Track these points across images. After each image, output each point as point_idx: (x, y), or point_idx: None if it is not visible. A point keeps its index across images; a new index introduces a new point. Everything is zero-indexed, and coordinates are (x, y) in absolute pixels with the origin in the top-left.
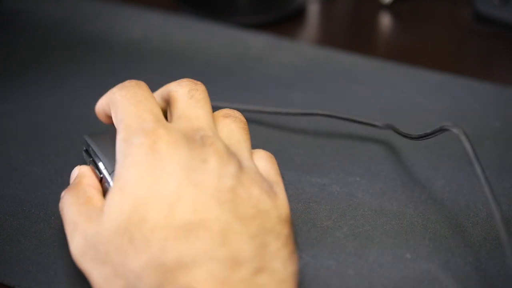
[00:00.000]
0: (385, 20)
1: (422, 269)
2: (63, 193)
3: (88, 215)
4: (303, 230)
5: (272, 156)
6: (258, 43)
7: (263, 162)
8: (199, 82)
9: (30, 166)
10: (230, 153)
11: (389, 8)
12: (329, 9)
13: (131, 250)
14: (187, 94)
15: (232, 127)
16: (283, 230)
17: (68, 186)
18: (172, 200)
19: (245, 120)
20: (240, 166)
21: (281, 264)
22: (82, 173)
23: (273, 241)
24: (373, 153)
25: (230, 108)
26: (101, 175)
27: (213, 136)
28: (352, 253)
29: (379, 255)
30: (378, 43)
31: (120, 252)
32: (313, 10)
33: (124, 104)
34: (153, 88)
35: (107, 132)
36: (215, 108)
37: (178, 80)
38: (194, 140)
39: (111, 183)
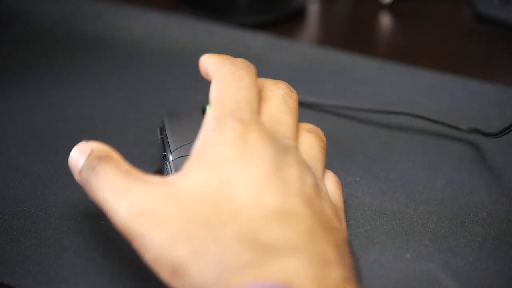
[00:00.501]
0: (385, 20)
1: (422, 269)
2: (94, 164)
3: (142, 180)
4: None
5: (339, 181)
6: (258, 43)
7: (331, 184)
8: (294, 90)
9: (30, 166)
10: (308, 166)
11: (389, 8)
12: (329, 9)
13: (216, 219)
14: (281, 98)
15: (312, 143)
16: (347, 253)
17: (97, 159)
18: (261, 186)
19: (325, 140)
20: (316, 180)
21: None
22: (104, 150)
23: (347, 257)
24: (372, 153)
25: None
26: (165, 153)
27: (296, 148)
28: (352, 253)
29: (379, 255)
30: (378, 43)
31: (200, 218)
32: (313, 10)
33: (228, 83)
34: (153, 88)
35: (184, 115)
36: (303, 104)
37: (275, 81)
38: (279, 145)
39: (171, 160)
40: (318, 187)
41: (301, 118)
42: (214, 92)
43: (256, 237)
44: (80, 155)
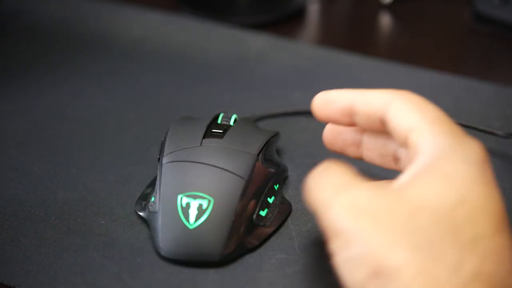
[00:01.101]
0: (385, 20)
1: None
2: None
3: (366, 181)
4: (303, 231)
5: None
6: (258, 43)
7: None
8: None
9: (30, 166)
10: None
11: (389, 8)
12: (329, 9)
13: (452, 243)
14: None
15: None
16: None
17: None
18: (499, 222)
19: None
20: None
21: None
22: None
23: None
24: None
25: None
26: (159, 156)
27: None
28: None
29: None
30: (378, 43)
31: (434, 235)
32: (313, 10)
33: (429, 105)
34: (153, 88)
35: (193, 120)
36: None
37: None
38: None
39: (162, 164)
40: None
41: (305, 124)
42: (419, 112)
43: (498, 281)
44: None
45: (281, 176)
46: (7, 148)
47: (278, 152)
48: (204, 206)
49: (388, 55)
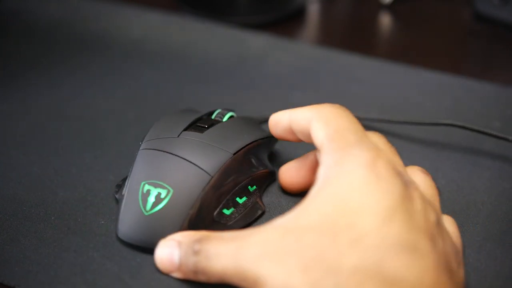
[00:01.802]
0: (385, 20)
1: None
2: (196, 247)
3: (252, 232)
4: None
5: (457, 225)
6: (258, 43)
7: (450, 226)
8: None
9: (30, 166)
10: (430, 203)
11: (389, 8)
12: (329, 9)
13: (334, 250)
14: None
15: (428, 184)
16: None
17: (197, 242)
18: (386, 215)
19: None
20: (437, 218)
21: None
22: (194, 233)
23: None
24: None
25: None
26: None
27: (415, 183)
28: None
29: None
30: (378, 43)
31: (317, 250)
32: (313, 10)
33: (338, 118)
34: (153, 88)
35: (184, 112)
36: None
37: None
38: (402, 176)
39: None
40: (440, 226)
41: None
42: (324, 129)
43: (379, 269)
44: (170, 252)
45: (262, 179)
46: (7, 148)
47: (273, 156)
48: (163, 195)
49: (388, 55)
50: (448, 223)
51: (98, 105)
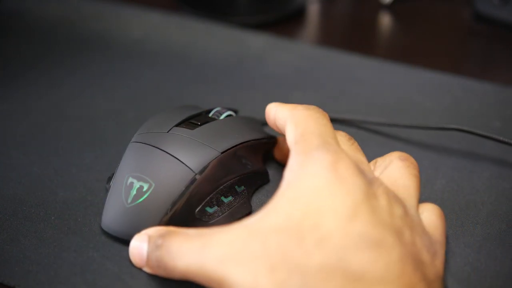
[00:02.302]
0: (385, 20)
1: None
2: (159, 242)
3: (217, 231)
4: None
5: (442, 213)
6: (258, 43)
7: (431, 215)
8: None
9: (30, 166)
10: (396, 197)
11: (389, 8)
12: (329, 9)
13: (300, 250)
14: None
15: (403, 172)
16: None
17: (161, 237)
18: (349, 214)
19: (418, 168)
20: (405, 211)
21: None
22: (161, 228)
23: None
24: (371, 154)
25: (366, 121)
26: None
27: (380, 180)
28: None
29: None
30: (378, 43)
31: (283, 250)
32: (313, 10)
33: (307, 122)
34: (153, 87)
35: (180, 108)
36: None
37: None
38: (365, 176)
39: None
40: (408, 218)
41: None
42: (293, 131)
43: (344, 266)
44: (139, 245)
45: (251, 180)
46: (7, 148)
47: (269, 158)
48: (144, 189)
49: (388, 55)
50: (430, 212)
51: (98, 105)
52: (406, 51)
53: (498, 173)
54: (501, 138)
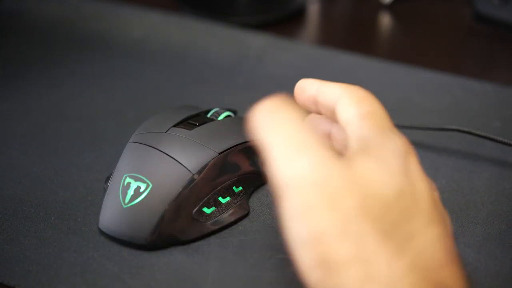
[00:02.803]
0: (385, 20)
1: None
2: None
3: (324, 146)
4: None
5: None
6: (258, 43)
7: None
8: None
9: (30, 166)
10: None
11: (389, 8)
12: (329, 9)
13: (390, 236)
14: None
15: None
16: None
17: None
18: (431, 210)
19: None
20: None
21: None
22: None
23: None
24: None
25: None
26: None
27: (433, 186)
28: None
29: None
30: (378, 43)
31: (377, 226)
32: (313, 10)
33: (372, 102)
34: (153, 87)
35: (179, 108)
36: None
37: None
38: (428, 182)
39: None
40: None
41: None
42: (356, 107)
43: (426, 273)
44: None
45: (249, 180)
46: (7, 148)
47: None
48: (141, 189)
49: (388, 55)
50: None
51: (98, 105)
52: (406, 51)
53: (498, 173)
54: (500, 139)
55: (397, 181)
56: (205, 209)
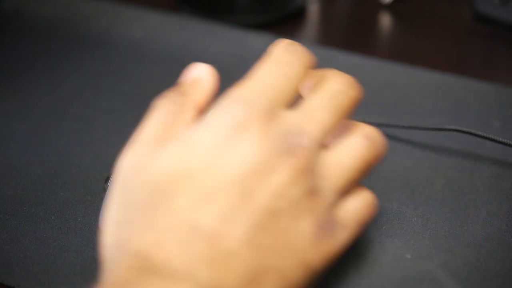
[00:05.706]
0: (385, 20)
1: (422, 269)
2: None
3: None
4: None
5: (373, 203)
6: (258, 43)
7: (358, 203)
8: (357, 89)
9: (30, 166)
10: (310, 173)
11: (389, 8)
12: (329, 9)
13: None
14: (331, 93)
15: (355, 152)
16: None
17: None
18: (215, 190)
19: (381, 151)
20: (310, 191)
21: None
22: (196, 81)
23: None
24: None
25: (366, 122)
26: None
27: (308, 149)
28: (352, 253)
29: (379, 255)
30: (378, 43)
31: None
32: (313, 10)
33: (269, 66)
34: (153, 88)
35: None
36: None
37: (340, 74)
38: (278, 146)
39: None
40: (309, 197)
41: None
42: (252, 72)
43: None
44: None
45: None
46: (7, 148)
47: None
48: None
49: (388, 55)
50: (358, 199)
51: (98, 105)
52: (406, 51)
53: (498, 173)
54: (500, 139)
55: (197, 157)
56: None
